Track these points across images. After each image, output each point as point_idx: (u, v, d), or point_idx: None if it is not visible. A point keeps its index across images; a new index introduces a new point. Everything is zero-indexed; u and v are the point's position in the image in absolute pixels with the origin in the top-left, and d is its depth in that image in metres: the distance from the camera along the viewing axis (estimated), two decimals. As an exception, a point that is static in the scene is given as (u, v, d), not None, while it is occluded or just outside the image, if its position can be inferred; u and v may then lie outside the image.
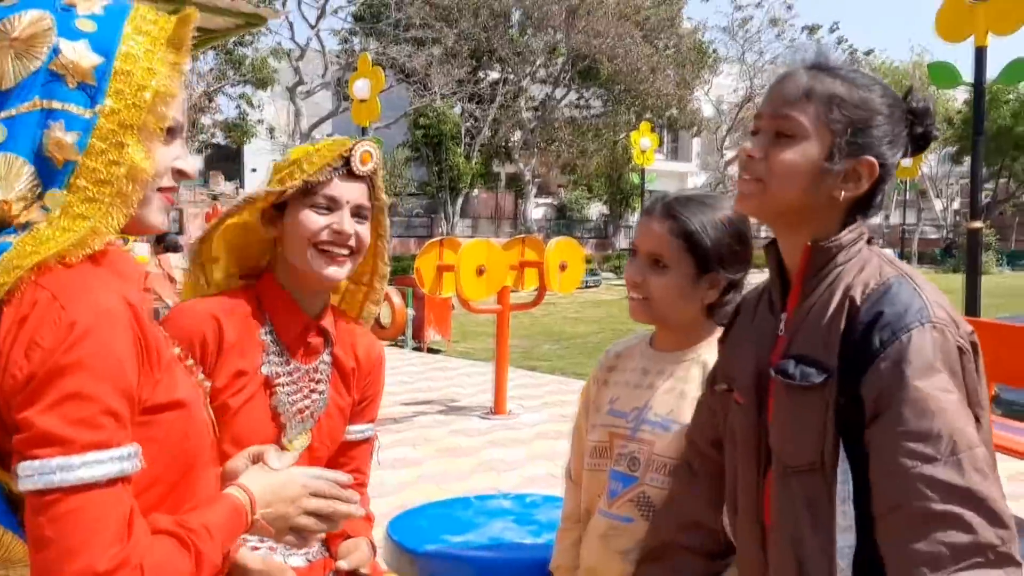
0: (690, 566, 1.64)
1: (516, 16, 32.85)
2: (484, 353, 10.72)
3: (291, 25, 29.79)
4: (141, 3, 1.11)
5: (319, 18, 29.16)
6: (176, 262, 9.06)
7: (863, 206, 1.40)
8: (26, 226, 1.01)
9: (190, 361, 1.26)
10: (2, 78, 1.02)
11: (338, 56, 30.56)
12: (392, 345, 11.32)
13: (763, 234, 11.54)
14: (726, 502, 1.56)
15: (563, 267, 7.09)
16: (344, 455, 1.82)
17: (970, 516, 1.15)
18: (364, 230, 1.68)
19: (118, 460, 0.96)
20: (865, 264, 1.35)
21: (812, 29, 38.31)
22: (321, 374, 1.73)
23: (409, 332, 11.50)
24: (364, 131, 11.75)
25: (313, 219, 1.62)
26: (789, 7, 45.13)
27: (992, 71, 6.32)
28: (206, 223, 1.90)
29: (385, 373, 1.88)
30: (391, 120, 27.18)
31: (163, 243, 9.74)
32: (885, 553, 1.22)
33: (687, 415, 1.70)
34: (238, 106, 31.56)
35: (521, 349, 11.60)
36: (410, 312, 11.39)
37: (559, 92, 34.12)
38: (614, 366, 1.88)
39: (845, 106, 1.33)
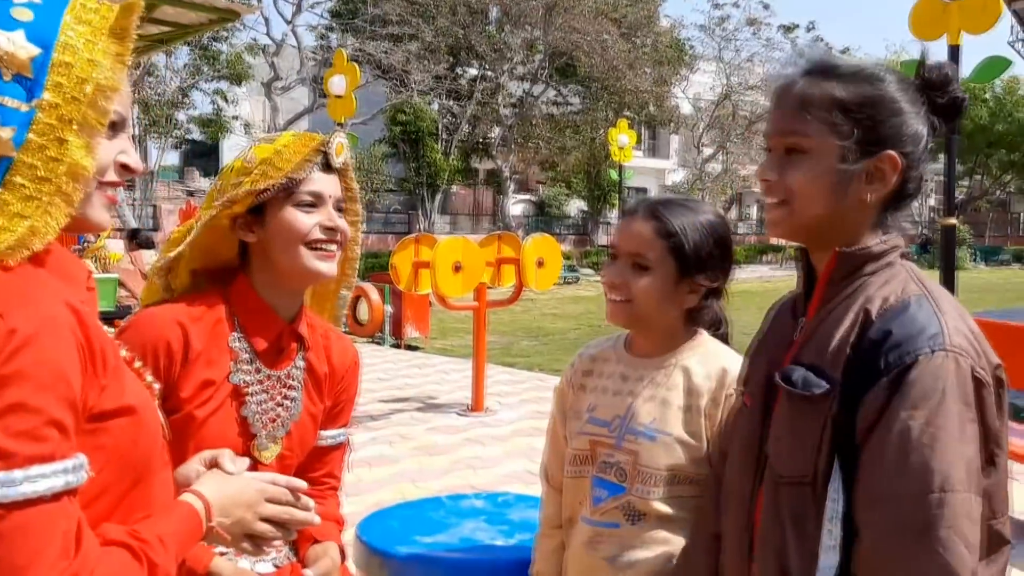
0: None
1: (494, 13, 32.83)
2: (463, 350, 10.71)
3: (267, 20, 29.49)
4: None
5: (295, 14, 29.00)
6: (149, 259, 8.96)
7: (895, 202, 1.34)
8: None
9: (138, 363, 1.22)
10: None
11: (314, 52, 30.39)
12: (370, 341, 11.28)
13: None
14: (721, 506, 1.51)
15: (540, 264, 7.07)
16: (316, 460, 1.79)
17: (918, 562, 1.12)
18: (344, 222, 1.66)
19: (62, 473, 0.92)
20: (892, 278, 1.29)
21: (789, 28, 38.54)
22: (294, 380, 1.68)
23: (387, 328, 11.46)
24: (340, 127, 11.71)
25: (301, 218, 1.59)
26: (766, 6, 45.18)
27: (966, 69, 6.36)
28: (180, 220, 1.84)
29: (360, 375, 1.85)
30: (368, 116, 27.08)
31: (136, 239, 9.64)
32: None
33: (672, 424, 1.66)
34: (213, 102, 31.31)
35: (500, 346, 11.59)
36: (388, 308, 11.36)
37: (537, 88, 34.15)
38: (590, 370, 1.83)
39: (847, 108, 1.28)
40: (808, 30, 38.79)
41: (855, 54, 42.76)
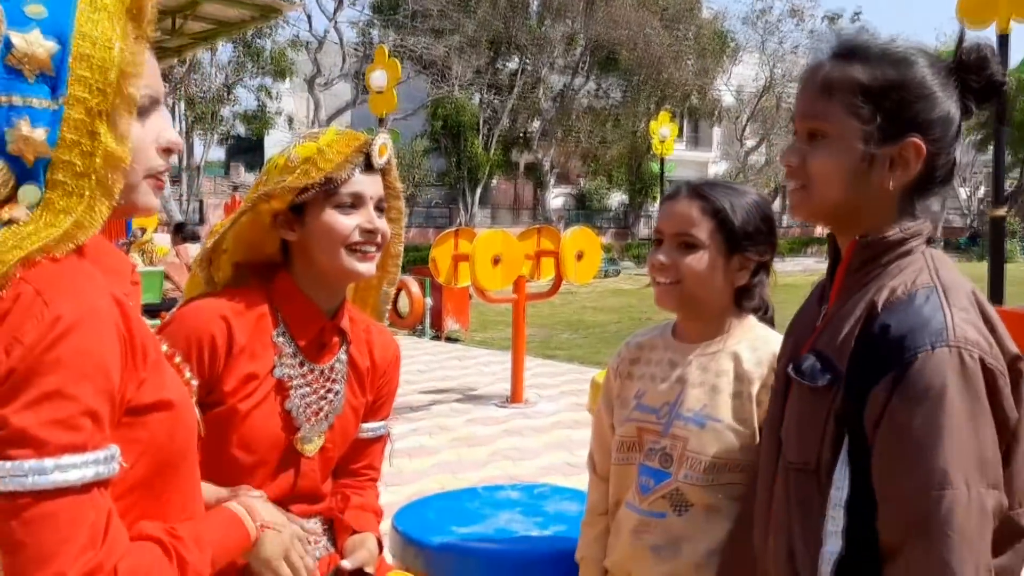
0: None
1: (535, 5, 32.74)
2: (502, 342, 10.72)
3: (309, 17, 29.82)
4: None
5: (337, 9, 29.21)
6: (195, 252, 9.09)
7: (920, 189, 1.30)
8: (7, 224, 0.96)
9: (178, 359, 1.22)
10: None
11: (356, 47, 30.59)
12: (410, 334, 11.34)
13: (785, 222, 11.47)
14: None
15: (579, 256, 7.06)
16: (357, 452, 1.81)
17: (919, 560, 1.11)
18: (385, 223, 1.67)
19: (94, 464, 0.93)
20: (907, 268, 1.26)
21: (833, 18, 37.86)
22: (337, 373, 1.70)
23: (427, 321, 11.51)
24: (382, 122, 11.76)
25: (342, 221, 1.60)
26: (810, -6, 44.50)
27: (1015, 59, 6.22)
28: (225, 214, 1.87)
29: (400, 368, 1.87)
30: (409, 111, 27.20)
31: (182, 233, 9.78)
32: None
33: (721, 411, 1.65)
34: (257, 98, 31.70)
35: (539, 338, 11.58)
36: (428, 301, 11.42)
37: (578, 81, 33.98)
38: (637, 358, 1.82)
39: (869, 92, 1.25)
40: (853, 20, 38.10)
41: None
